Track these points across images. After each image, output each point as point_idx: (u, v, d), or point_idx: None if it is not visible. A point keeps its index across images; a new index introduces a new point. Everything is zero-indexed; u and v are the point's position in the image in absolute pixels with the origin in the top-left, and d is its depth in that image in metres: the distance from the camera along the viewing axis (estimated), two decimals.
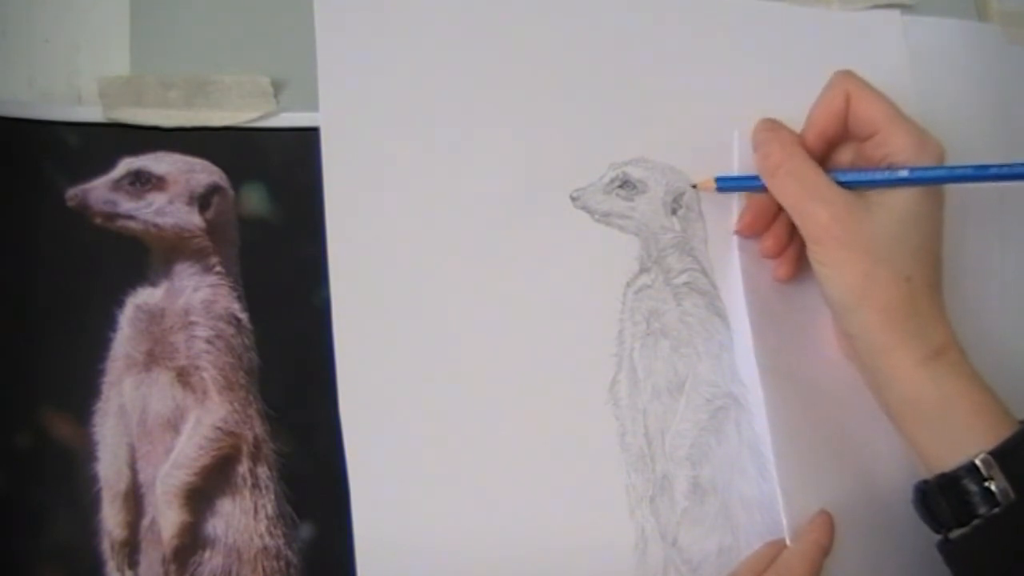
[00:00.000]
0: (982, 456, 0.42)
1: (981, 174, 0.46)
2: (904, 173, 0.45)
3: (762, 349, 0.48)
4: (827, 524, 0.46)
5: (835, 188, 0.46)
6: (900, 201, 0.45)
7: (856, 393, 0.48)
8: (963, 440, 0.43)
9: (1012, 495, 0.42)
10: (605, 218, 0.50)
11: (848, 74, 0.48)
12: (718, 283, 0.50)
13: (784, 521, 0.46)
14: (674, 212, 0.51)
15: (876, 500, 0.49)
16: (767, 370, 0.48)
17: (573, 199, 0.49)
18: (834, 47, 0.55)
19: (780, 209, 0.48)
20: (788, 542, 0.46)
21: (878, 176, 0.46)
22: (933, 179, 0.46)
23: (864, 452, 0.49)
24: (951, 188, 0.48)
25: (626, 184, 0.50)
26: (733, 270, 0.50)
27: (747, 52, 0.54)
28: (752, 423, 0.49)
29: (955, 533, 0.44)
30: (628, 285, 0.49)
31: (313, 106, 0.48)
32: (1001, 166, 0.46)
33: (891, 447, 0.48)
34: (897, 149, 0.46)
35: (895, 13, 0.57)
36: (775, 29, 0.55)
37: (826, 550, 0.45)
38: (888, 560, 0.49)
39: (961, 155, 0.47)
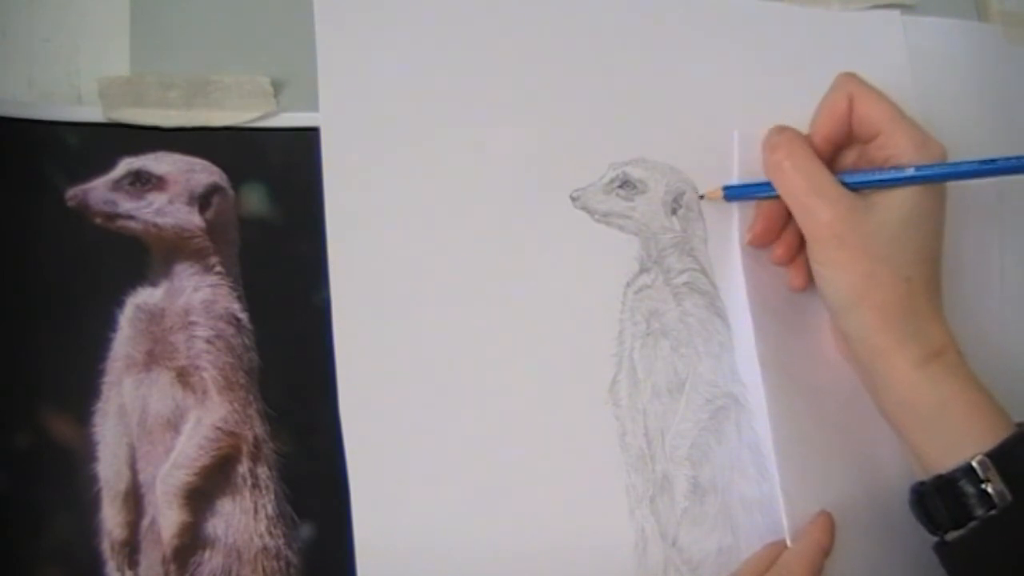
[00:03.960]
0: (979, 458, 0.42)
1: (986, 168, 0.46)
2: (911, 172, 0.45)
3: (764, 349, 0.48)
4: (828, 525, 0.46)
5: (839, 187, 0.46)
6: (902, 202, 0.45)
7: (857, 393, 0.48)
8: (960, 442, 0.43)
9: (1009, 497, 0.42)
10: (605, 218, 0.50)
11: (851, 76, 0.48)
12: (718, 283, 0.50)
13: (785, 522, 0.46)
14: (674, 212, 0.51)
15: (877, 501, 0.49)
16: (769, 370, 0.48)
17: (573, 199, 0.49)
18: (834, 47, 0.55)
19: (790, 217, 0.48)
20: (788, 543, 0.46)
21: (885, 176, 0.46)
22: (939, 177, 0.46)
23: (865, 452, 0.49)
24: (950, 189, 0.48)
25: (626, 184, 0.50)
26: (735, 270, 0.50)
27: (747, 52, 0.54)
28: (752, 423, 0.49)
29: (952, 535, 0.44)
30: (628, 285, 0.49)
31: (313, 106, 0.48)
32: (1008, 159, 0.45)
33: (892, 448, 0.49)
34: (899, 151, 0.46)
35: (895, 13, 0.57)
36: (775, 29, 0.55)
37: (827, 551, 0.45)
38: (888, 561, 0.49)
39: (961, 155, 0.47)
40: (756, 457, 0.48)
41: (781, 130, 0.48)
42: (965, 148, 0.48)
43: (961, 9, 0.59)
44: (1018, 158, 0.45)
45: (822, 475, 0.48)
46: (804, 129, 0.49)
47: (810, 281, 0.49)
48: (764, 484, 0.48)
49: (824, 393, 0.50)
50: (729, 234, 0.50)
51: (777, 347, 0.49)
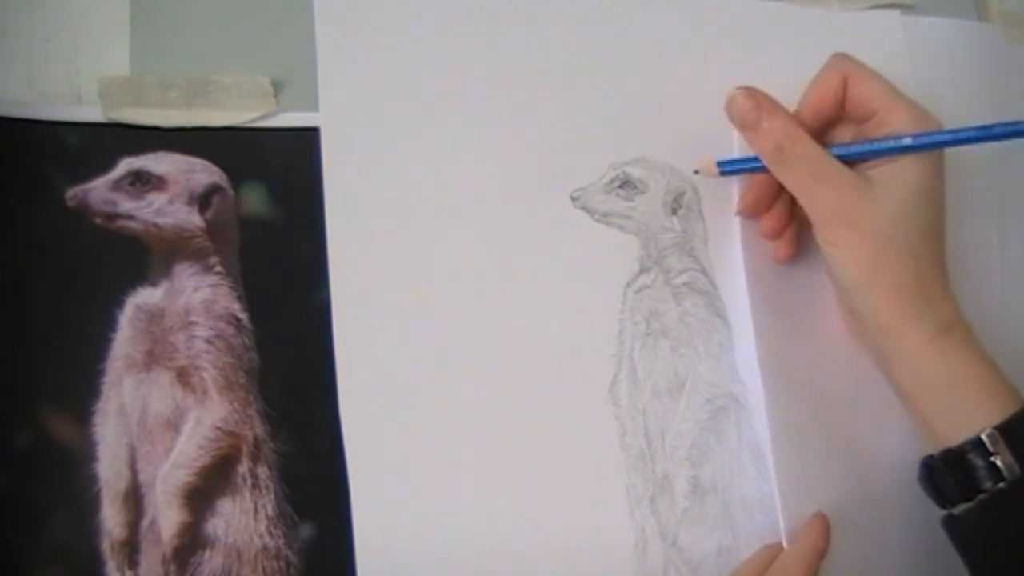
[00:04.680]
0: (988, 431, 0.43)
1: (984, 134, 0.46)
2: (908, 140, 0.45)
3: (764, 348, 0.48)
4: (823, 527, 0.46)
5: (842, 169, 0.45)
6: (904, 179, 0.45)
7: (857, 393, 0.48)
8: (970, 416, 0.43)
9: (1017, 470, 0.42)
10: (605, 218, 0.50)
11: (845, 56, 0.48)
12: (718, 283, 0.50)
13: (781, 523, 0.46)
14: (674, 212, 0.51)
15: (874, 502, 0.49)
16: (768, 369, 0.48)
17: (573, 199, 0.49)
18: (834, 47, 0.54)
19: (781, 189, 0.48)
20: (784, 544, 0.46)
21: (883, 146, 0.45)
22: (937, 144, 0.45)
23: (863, 453, 0.49)
24: (950, 180, 0.47)
25: (626, 184, 0.50)
26: (735, 270, 0.50)
27: (747, 52, 0.54)
28: (752, 423, 0.49)
29: (960, 508, 0.44)
30: (628, 285, 0.49)
31: (313, 106, 0.48)
32: (1006, 124, 0.45)
33: (890, 448, 0.49)
34: (899, 127, 0.46)
35: (895, 13, 0.56)
36: (775, 29, 0.54)
37: (822, 553, 0.45)
38: (884, 562, 0.49)
39: (961, 154, 0.47)
40: (756, 457, 0.48)
41: (762, 106, 0.47)
42: (964, 148, 0.48)
43: (961, 9, 0.59)
44: (1015, 123, 0.45)
45: (820, 475, 0.48)
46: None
47: (795, 253, 0.49)
48: (764, 484, 0.48)
49: (824, 393, 0.50)
50: (729, 234, 0.50)
51: (777, 347, 0.49)
